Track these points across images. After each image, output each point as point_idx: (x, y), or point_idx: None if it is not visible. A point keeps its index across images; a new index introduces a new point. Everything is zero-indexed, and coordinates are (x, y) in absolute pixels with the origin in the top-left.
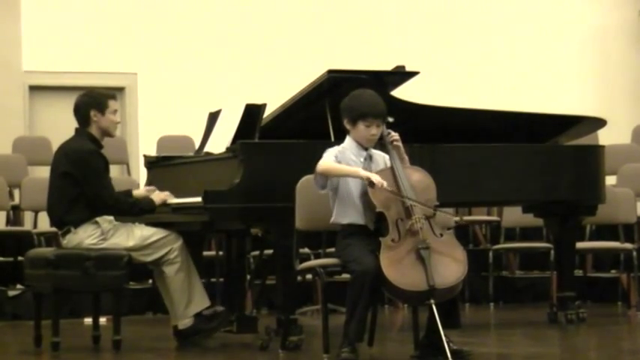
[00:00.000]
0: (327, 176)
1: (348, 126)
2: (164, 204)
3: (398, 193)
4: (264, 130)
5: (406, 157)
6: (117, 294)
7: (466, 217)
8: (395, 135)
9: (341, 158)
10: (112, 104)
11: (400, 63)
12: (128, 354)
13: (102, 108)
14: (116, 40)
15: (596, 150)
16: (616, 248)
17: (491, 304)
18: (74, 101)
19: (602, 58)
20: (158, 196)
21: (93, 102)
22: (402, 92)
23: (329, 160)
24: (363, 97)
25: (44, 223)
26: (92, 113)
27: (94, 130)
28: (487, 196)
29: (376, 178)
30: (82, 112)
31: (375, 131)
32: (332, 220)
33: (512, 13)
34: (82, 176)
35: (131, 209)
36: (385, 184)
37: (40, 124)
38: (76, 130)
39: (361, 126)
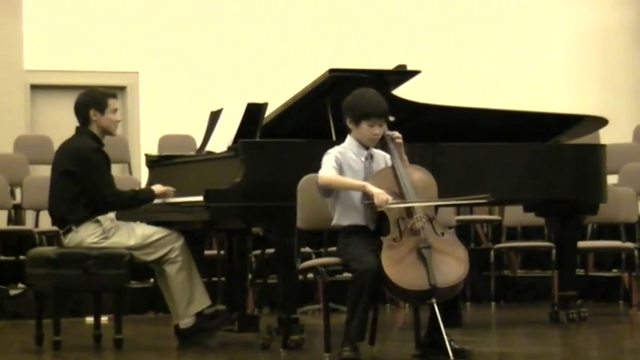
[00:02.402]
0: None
1: (350, 125)
2: (164, 202)
3: (403, 202)
4: (265, 129)
5: (405, 157)
6: (118, 293)
7: (467, 217)
8: (396, 133)
9: (342, 160)
10: (112, 103)
11: (401, 62)
12: (129, 353)
13: (101, 107)
14: (118, 39)
15: (598, 149)
16: (617, 247)
17: (493, 303)
18: (74, 100)
19: (604, 57)
20: (159, 187)
21: (92, 101)
22: (403, 91)
23: (329, 171)
24: (366, 96)
25: (45, 222)
26: (92, 112)
27: (94, 128)
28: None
29: (381, 198)
30: (81, 111)
31: (377, 131)
32: (333, 223)
33: (514, 12)
34: (83, 174)
35: (131, 202)
36: (390, 199)
37: (42, 123)
38: (77, 128)
39: (364, 125)
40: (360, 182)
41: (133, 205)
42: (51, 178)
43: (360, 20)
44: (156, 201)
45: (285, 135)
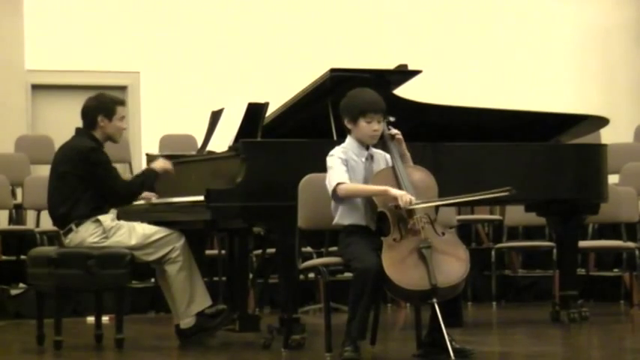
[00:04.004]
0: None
1: (349, 125)
2: (165, 202)
3: (426, 202)
4: (266, 128)
5: (408, 154)
6: (119, 293)
7: (468, 216)
8: (395, 130)
9: (346, 158)
10: (120, 111)
11: (402, 62)
12: (130, 353)
13: (109, 114)
14: (119, 39)
15: (599, 149)
16: (618, 247)
17: (494, 302)
18: (83, 103)
19: (605, 57)
20: (159, 164)
21: (101, 107)
22: (405, 91)
23: (343, 177)
24: (361, 94)
25: (47, 222)
26: (99, 118)
27: (98, 133)
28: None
29: (405, 200)
30: (89, 116)
31: (376, 127)
32: (334, 222)
33: (515, 12)
34: (88, 174)
35: (141, 188)
36: (413, 200)
37: (43, 122)
38: (77, 129)
39: (362, 123)
40: (380, 187)
41: (143, 189)
42: (49, 180)
43: (361, 20)
44: (156, 200)
45: (286, 135)
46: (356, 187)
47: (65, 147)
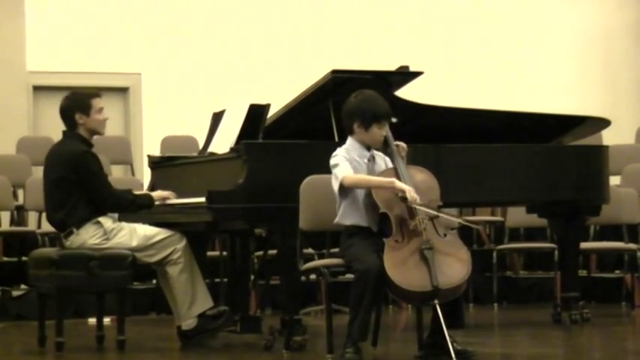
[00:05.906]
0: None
1: (359, 129)
2: (164, 203)
3: (430, 207)
4: (267, 130)
5: (405, 160)
6: (121, 294)
7: (470, 218)
8: (403, 145)
9: (349, 159)
10: (96, 103)
11: (404, 63)
12: (132, 354)
13: (86, 109)
14: (120, 41)
15: (601, 150)
16: (620, 248)
17: (495, 304)
18: (59, 105)
19: (606, 59)
20: (159, 193)
21: (76, 105)
22: (406, 92)
23: (349, 170)
24: (373, 99)
25: (48, 224)
26: (77, 116)
27: (82, 131)
28: (491, 197)
29: (412, 195)
30: (67, 115)
31: (384, 132)
32: (336, 220)
33: (516, 14)
34: (79, 178)
35: (130, 206)
36: (418, 199)
37: (44, 124)
38: (64, 132)
39: (375, 129)
40: (387, 179)
41: (132, 209)
42: (44, 185)
43: (362, 21)
44: (159, 202)
45: (288, 136)
46: (362, 177)
47: (56, 151)
